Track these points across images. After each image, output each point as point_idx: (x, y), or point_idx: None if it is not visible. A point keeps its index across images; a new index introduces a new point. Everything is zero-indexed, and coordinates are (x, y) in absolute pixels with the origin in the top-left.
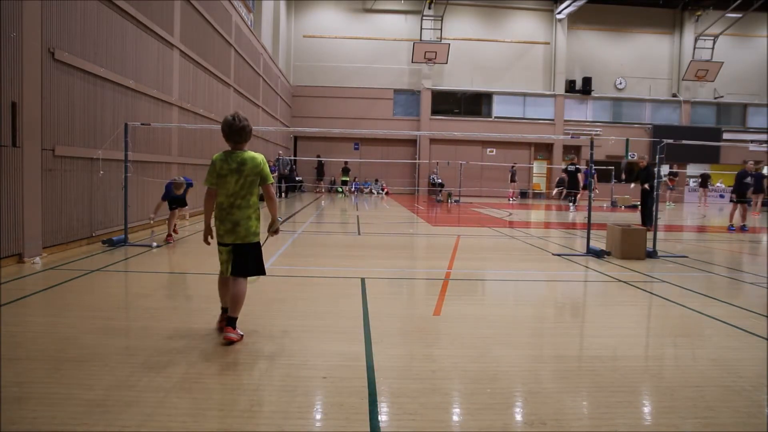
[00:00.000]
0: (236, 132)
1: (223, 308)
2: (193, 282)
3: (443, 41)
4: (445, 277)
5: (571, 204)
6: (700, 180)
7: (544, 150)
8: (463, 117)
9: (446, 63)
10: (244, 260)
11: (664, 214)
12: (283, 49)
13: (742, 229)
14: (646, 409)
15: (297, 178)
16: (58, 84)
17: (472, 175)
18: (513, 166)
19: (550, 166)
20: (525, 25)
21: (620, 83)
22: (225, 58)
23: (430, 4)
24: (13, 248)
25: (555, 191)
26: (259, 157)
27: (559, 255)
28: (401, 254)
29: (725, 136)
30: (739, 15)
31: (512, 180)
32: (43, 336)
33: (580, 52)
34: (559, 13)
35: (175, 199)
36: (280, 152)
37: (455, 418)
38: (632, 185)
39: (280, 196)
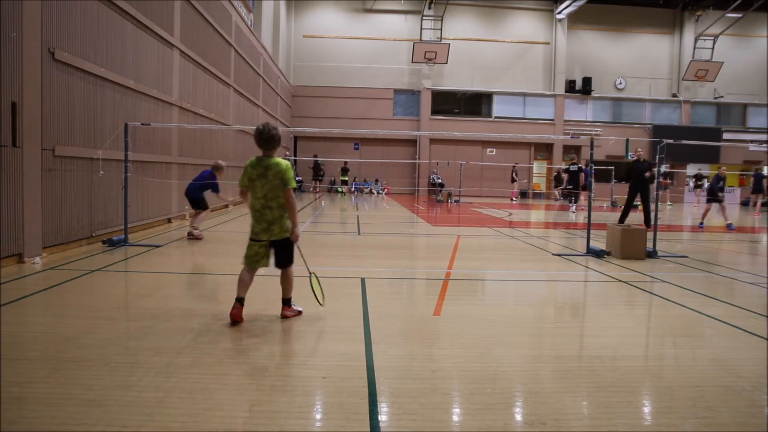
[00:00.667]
0: (265, 140)
1: (238, 298)
2: (193, 282)
3: (443, 41)
4: (445, 277)
5: (571, 204)
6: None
7: (544, 150)
8: (463, 117)
9: (446, 63)
10: (280, 254)
11: (664, 213)
12: (283, 49)
13: (729, 227)
14: (646, 409)
15: (297, 178)
16: (58, 84)
17: (472, 175)
18: (515, 166)
19: (550, 166)
20: (525, 25)
21: (620, 83)
22: (225, 58)
23: (430, 4)
24: (13, 248)
25: (557, 191)
26: (284, 163)
27: (559, 255)
28: (401, 254)
29: (725, 136)
30: (739, 15)
31: (513, 180)
32: (43, 336)
33: (580, 52)
34: (559, 13)
35: (197, 199)
36: (287, 153)
37: (455, 418)
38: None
39: None
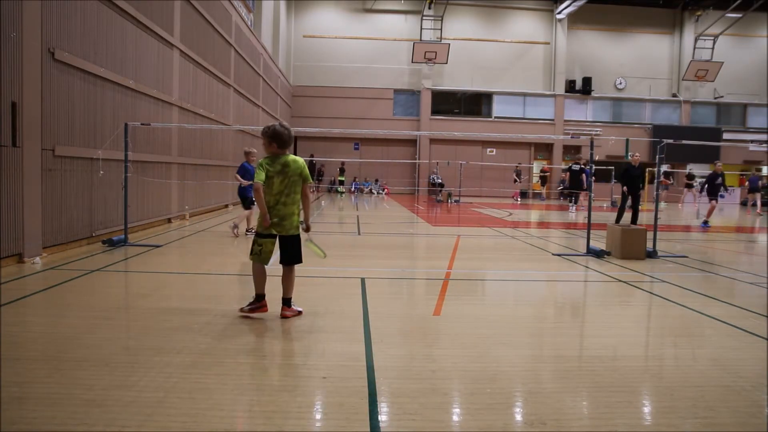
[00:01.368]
0: (287, 139)
1: (259, 294)
2: (193, 282)
3: (443, 41)
4: (445, 277)
5: (571, 204)
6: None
7: (544, 150)
8: (463, 117)
9: (446, 63)
10: (287, 250)
11: (664, 213)
12: (283, 49)
13: (705, 225)
14: (646, 409)
15: None
16: (58, 84)
17: (472, 175)
18: (518, 166)
19: (550, 165)
20: (525, 25)
21: (620, 83)
22: (225, 58)
23: (430, 4)
24: (13, 248)
25: (544, 190)
26: (300, 160)
27: (559, 255)
28: (401, 254)
29: (725, 136)
30: (739, 15)
31: (519, 179)
32: (43, 336)
33: (580, 52)
34: (559, 13)
35: (250, 198)
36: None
37: (455, 418)
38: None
39: None
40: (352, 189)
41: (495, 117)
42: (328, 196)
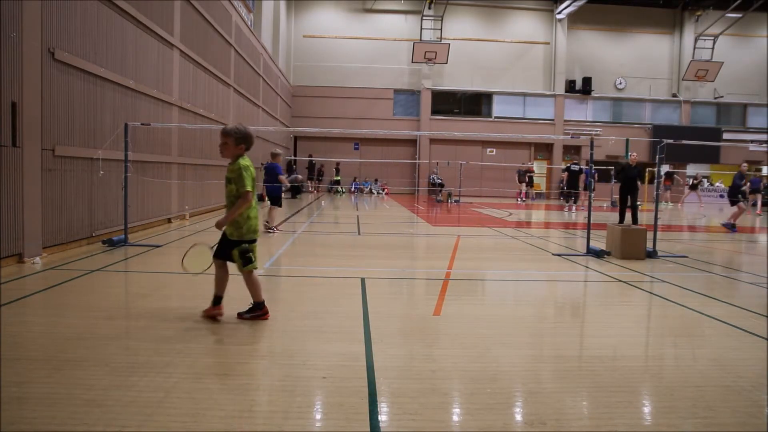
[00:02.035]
0: (251, 138)
1: (260, 303)
2: (193, 282)
3: (443, 41)
4: (445, 277)
5: (568, 204)
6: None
7: (544, 150)
8: (463, 117)
9: (446, 63)
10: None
11: (664, 213)
12: (283, 49)
13: (732, 229)
14: (646, 409)
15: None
16: (58, 84)
17: (472, 175)
18: (522, 166)
19: (550, 166)
20: (525, 25)
21: (620, 83)
22: (225, 58)
23: (430, 4)
24: (13, 248)
25: (524, 188)
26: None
27: (559, 255)
28: (401, 254)
29: (725, 136)
30: (739, 15)
31: (520, 180)
32: (43, 336)
33: (580, 52)
34: (559, 13)
35: (279, 197)
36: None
37: (455, 418)
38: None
39: (293, 196)
40: (352, 189)
41: (495, 117)
42: (328, 196)
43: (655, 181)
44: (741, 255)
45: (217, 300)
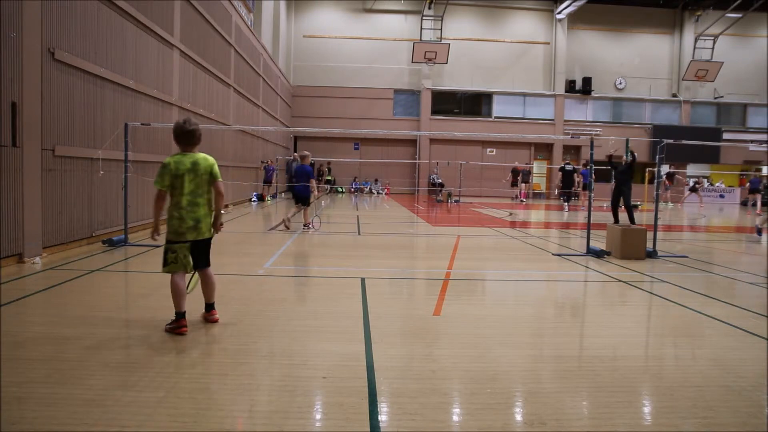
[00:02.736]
0: (186, 134)
1: (181, 313)
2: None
3: (443, 41)
4: (445, 277)
5: (565, 204)
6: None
7: (544, 150)
8: (463, 117)
9: (446, 63)
10: (204, 253)
11: (664, 213)
12: (283, 49)
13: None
14: (646, 409)
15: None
16: (58, 84)
17: (472, 175)
18: (526, 166)
19: (550, 166)
20: (525, 25)
21: (620, 83)
22: (225, 58)
23: (430, 4)
24: (13, 248)
25: (516, 188)
26: (210, 158)
27: (559, 255)
28: (401, 254)
29: (725, 136)
30: (739, 15)
31: (525, 181)
32: (43, 336)
33: (580, 52)
34: (559, 13)
35: (307, 197)
36: (295, 153)
37: (455, 418)
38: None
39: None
40: (352, 189)
41: (495, 117)
42: (328, 197)
43: (655, 181)
44: (741, 255)
45: (207, 307)
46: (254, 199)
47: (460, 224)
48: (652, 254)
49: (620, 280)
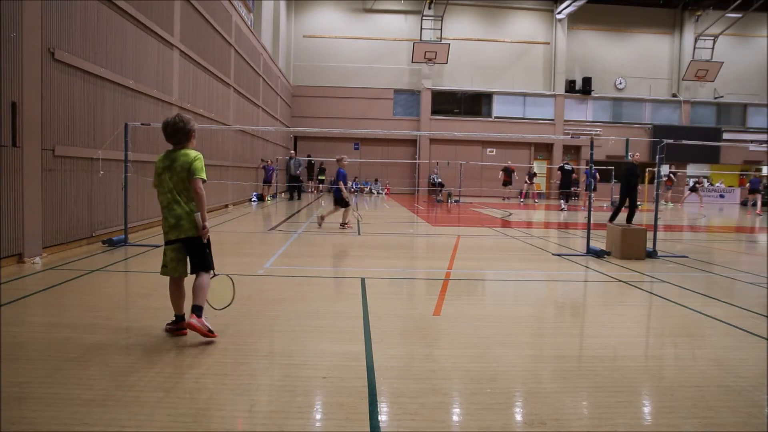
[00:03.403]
0: (169, 134)
1: (177, 315)
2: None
3: (443, 41)
4: (445, 277)
5: (562, 203)
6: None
7: (544, 150)
8: (463, 117)
9: (446, 63)
10: (193, 255)
11: (664, 213)
12: (283, 49)
13: None
14: (646, 409)
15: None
16: (58, 84)
17: (472, 175)
18: (531, 169)
19: (550, 166)
20: (525, 25)
21: (620, 83)
22: (225, 58)
23: (430, 4)
24: (13, 248)
25: (508, 189)
26: (193, 153)
27: (559, 255)
28: (401, 254)
29: (725, 136)
30: (739, 15)
31: (530, 181)
32: (43, 336)
33: (580, 52)
34: (559, 13)
35: (337, 198)
36: (293, 152)
37: (455, 418)
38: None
39: (291, 198)
40: (352, 189)
41: (495, 117)
42: (328, 196)
43: (655, 181)
44: (741, 255)
45: (195, 309)
46: (254, 199)
47: (460, 224)
48: (652, 254)
49: (620, 280)
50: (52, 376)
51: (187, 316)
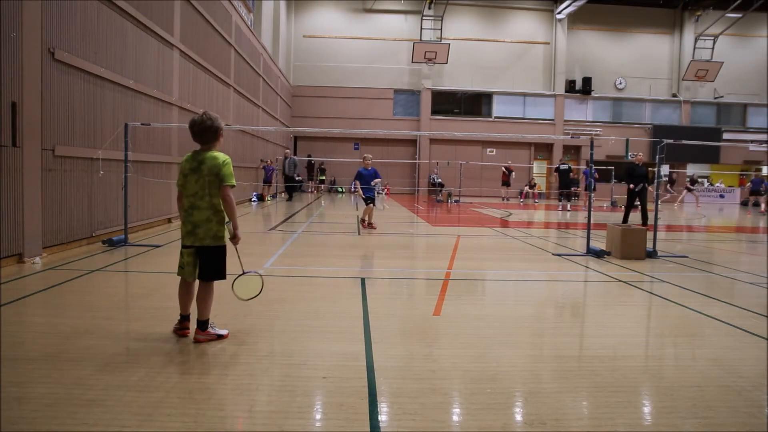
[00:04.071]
0: (197, 133)
1: (182, 315)
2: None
3: (443, 41)
4: (445, 277)
5: (560, 203)
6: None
7: (544, 150)
8: (463, 117)
9: (446, 63)
10: (205, 264)
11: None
12: (283, 49)
13: None
14: (646, 409)
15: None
16: (58, 84)
17: (472, 175)
18: (531, 179)
19: (550, 166)
20: (525, 25)
21: (620, 83)
22: (225, 58)
23: (430, 4)
24: (13, 248)
25: (504, 189)
26: (222, 156)
27: (559, 255)
28: (401, 254)
29: (725, 136)
30: (739, 15)
31: (531, 189)
32: (43, 336)
33: (580, 52)
34: (559, 13)
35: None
36: (288, 151)
37: (455, 418)
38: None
39: (290, 198)
40: (352, 189)
41: (495, 117)
42: (328, 196)
43: (656, 181)
44: (741, 255)
45: (200, 324)
46: (254, 199)
47: (460, 224)
48: (652, 254)
49: (620, 280)
50: (52, 376)
51: (192, 320)
